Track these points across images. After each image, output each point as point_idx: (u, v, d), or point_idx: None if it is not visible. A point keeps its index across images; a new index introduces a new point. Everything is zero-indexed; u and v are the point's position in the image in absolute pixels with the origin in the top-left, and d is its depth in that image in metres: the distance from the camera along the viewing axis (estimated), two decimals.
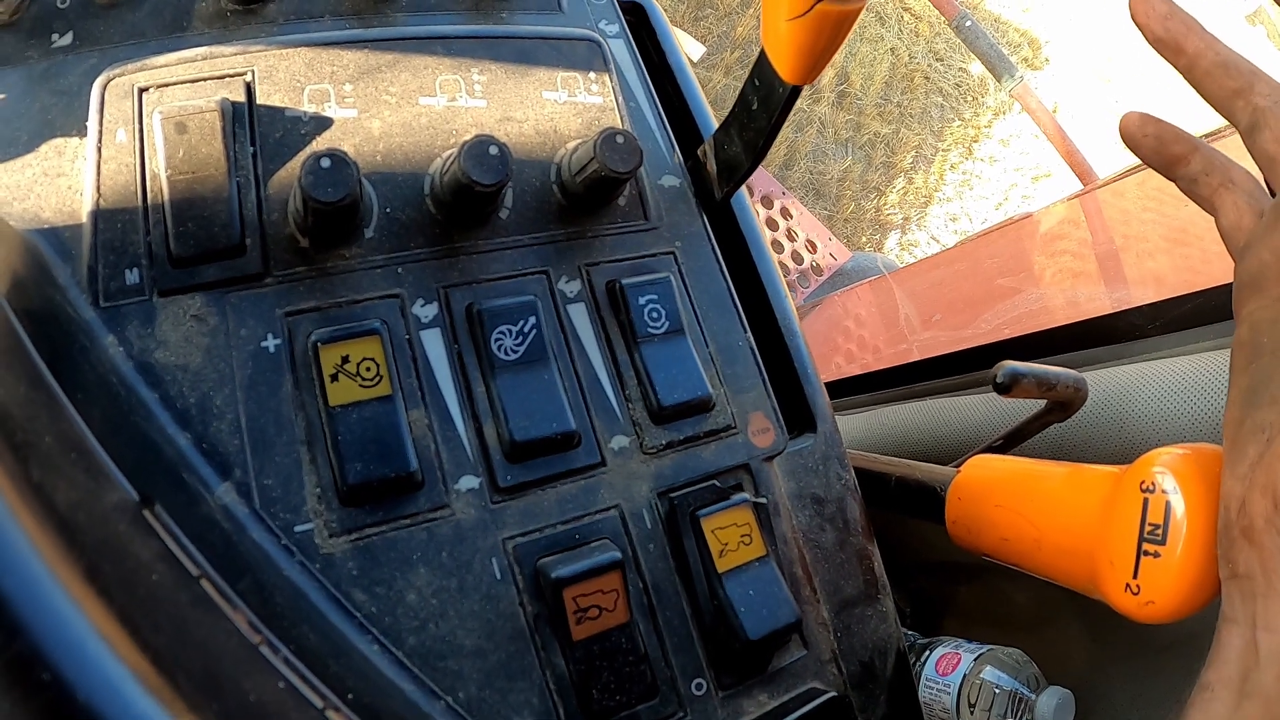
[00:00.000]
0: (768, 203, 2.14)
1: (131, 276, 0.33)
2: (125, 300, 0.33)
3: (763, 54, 0.38)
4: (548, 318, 0.37)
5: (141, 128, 0.35)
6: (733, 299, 0.42)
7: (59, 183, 0.34)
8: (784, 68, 0.36)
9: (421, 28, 0.41)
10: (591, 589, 0.32)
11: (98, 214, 0.33)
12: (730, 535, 0.36)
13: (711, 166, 0.44)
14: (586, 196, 0.39)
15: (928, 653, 0.69)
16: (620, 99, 0.43)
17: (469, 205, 0.35)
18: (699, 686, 0.35)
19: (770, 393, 0.41)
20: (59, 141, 0.35)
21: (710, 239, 0.43)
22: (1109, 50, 3.50)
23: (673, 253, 0.41)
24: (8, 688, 0.16)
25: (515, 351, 0.35)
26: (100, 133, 0.34)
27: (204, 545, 0.28)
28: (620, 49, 0.46)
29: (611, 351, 0.38)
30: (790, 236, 2.09)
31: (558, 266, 0.38)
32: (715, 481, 0.38)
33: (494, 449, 0.34)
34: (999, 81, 1.85)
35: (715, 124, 0.49)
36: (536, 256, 0.38)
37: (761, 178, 2.19)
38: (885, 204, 2.57)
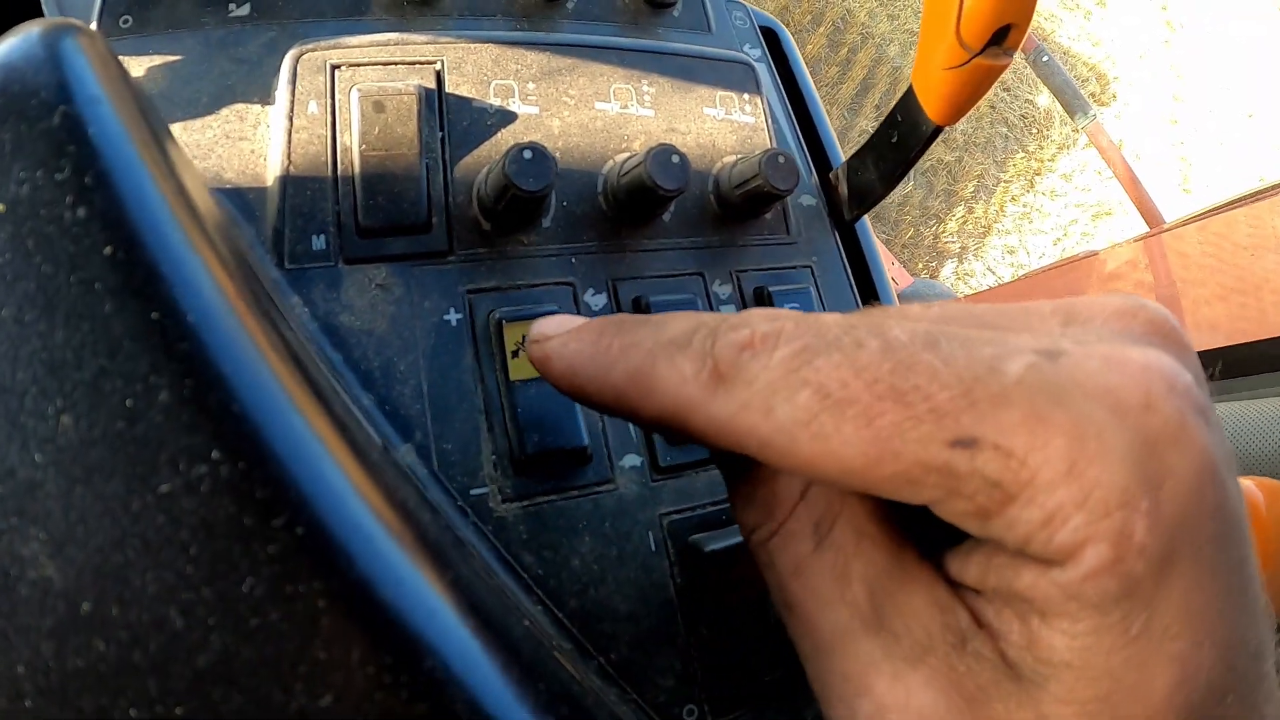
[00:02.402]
0: None
1: (318, 242, 0.34)
2: (311, 264, 0.34)
3: (910, 92, 0.39)
4: None
5: (334, 102, 0.36)
6: None
7: (241, 146, 0.35)
8: (932, 109, 0.38)
9: (596, 37, 0.43)
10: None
11: (286, 180, 0.34)
12: None
13: (843, 190, 0.46)
14: (742, 208, 0.41)
15: None
16: (769, 120, 0.45)
17: (643, 206, 0.38)
18: None
19: None
20: (240, 107, 0.36)
21: (842, 257, 0.46)
22: (1177, 90, 3.46)
23: (810, 267, 0.44)
24: (348, 607, 0.18)
25: None
26: (292, 103, 0.35)
27: None
28: (763, 73, 0.48)
29: None
30: None
31: (712, 269, 0.41)
32: None
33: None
34: (1071, 118, 1.85)
35: (839, 148, 0.51)
36: (694, 259, 0.41)
37: None
38: (944, 231, 2.56)
